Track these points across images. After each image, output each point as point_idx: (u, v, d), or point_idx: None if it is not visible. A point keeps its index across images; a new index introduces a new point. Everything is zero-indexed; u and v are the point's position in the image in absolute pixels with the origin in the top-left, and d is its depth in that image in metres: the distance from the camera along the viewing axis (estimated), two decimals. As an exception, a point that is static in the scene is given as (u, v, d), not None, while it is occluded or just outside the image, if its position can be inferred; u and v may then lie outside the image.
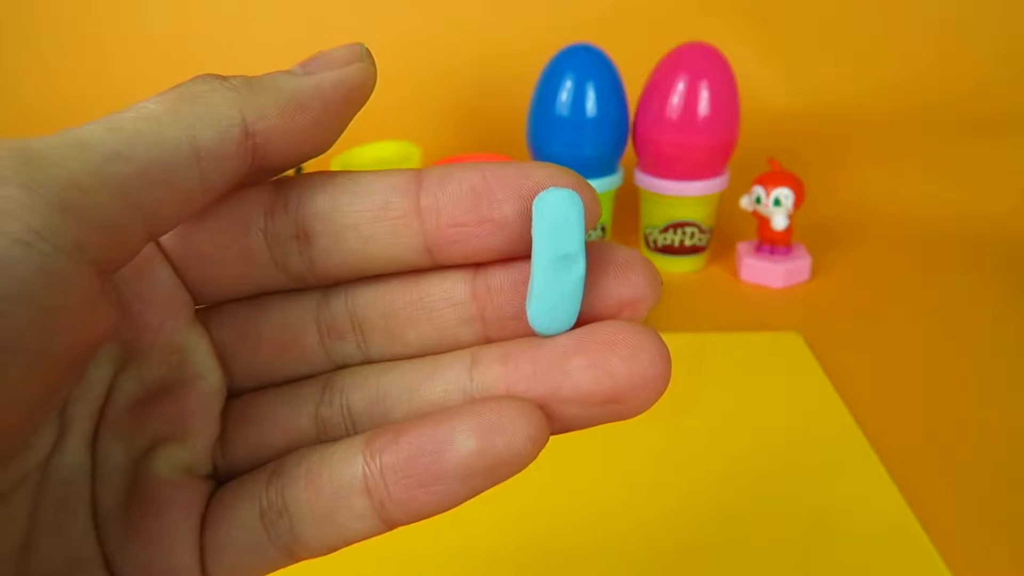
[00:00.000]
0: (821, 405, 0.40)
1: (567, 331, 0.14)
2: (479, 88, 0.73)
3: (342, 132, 0.15)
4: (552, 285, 0.14)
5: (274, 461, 0.15)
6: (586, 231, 0.14)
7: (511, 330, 0.15)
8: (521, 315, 0.15)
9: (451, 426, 0.13)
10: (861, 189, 0.65)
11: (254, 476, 0.15)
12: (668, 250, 0.55)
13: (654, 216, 0.55)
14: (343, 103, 0.14)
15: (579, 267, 0.14)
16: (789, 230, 0.52)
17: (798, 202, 0.51)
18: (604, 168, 0.52)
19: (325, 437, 0.15)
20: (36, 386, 0.11)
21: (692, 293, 0.52)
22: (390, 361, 0.16)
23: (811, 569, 0.31)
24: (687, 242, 0.54)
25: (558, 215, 0.13)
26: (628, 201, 0.57)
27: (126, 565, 0.14)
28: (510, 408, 0.13)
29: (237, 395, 0.16)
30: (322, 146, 0.15)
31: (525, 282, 0.15)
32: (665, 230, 0.54)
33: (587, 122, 0.50)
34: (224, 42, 0.73)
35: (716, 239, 0.57)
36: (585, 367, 0.13)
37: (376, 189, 0.14)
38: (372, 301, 0.15)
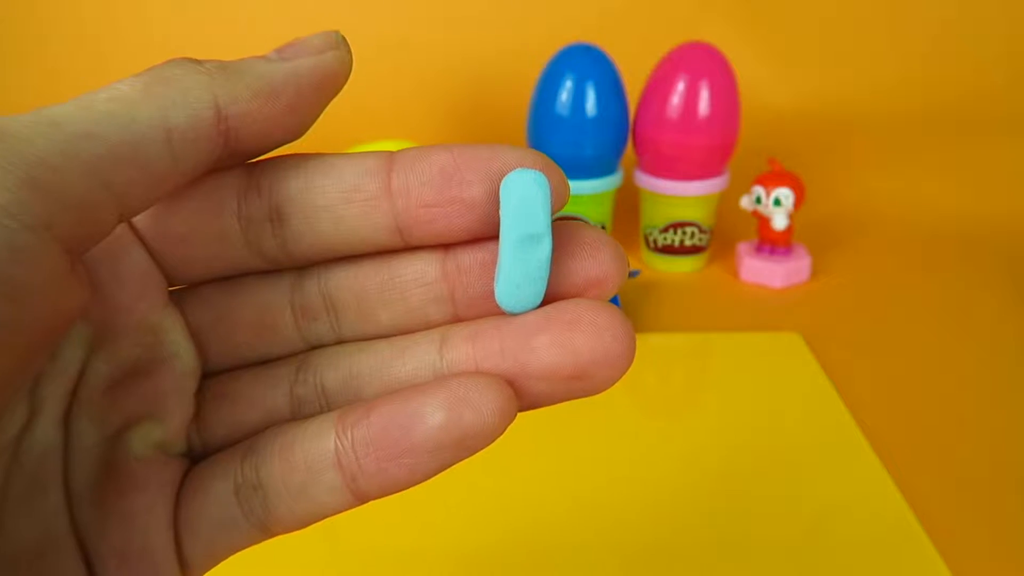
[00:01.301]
0: (821, 405, 0.40)
1: (534, 309, 0.14)
2: (479, 88, 0.73)
3: (316, 119, 0.15)
4: (519, 264, 0.14)
5: (249, 438, 0.15)
6: (553, 212, 0.14)
7: (480, 309, 0.15)
8: (490, 294, 0.15)
9: (421, 400, 0.14)
10: (861, 189, 0.65)
11: (229, 453, 0.15)
12: (668, 250, 0.55)
13: (654, 216, 0.55)
14: (317, 90, 0.14)
15: (545, 247, 0.14)
16: (789, 230, 0.52)
17: (798, 202, 0.51)
18: (604, 168, 0.52)
19: (300, 415, 0.16)
20: (3, 362, 0.11)
21: (692, 293, 0.52)
22: (363, 341, 0.16)
23: (811, 569, 0.31)
24: (687, 242, 0.54)
25: (525, 195, 0.14)
26: (628, 201, 0.57)
27: (100, 544, 0.14)
28: (478, 383, 0.13)
29: (212, 375, 0.16)
30: (296, 132, 0.15)
31: (494, 262, 0.15)
32: (665, 230, 0.54)
33: (587, 122, 0.50)
34: (224, 43, 0.73)
35: (716, 239, 0.57)
36: (550, 344, 0.14)
37: (348, 171, 0.15)
38: (345, 282, 0.16)
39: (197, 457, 0.16)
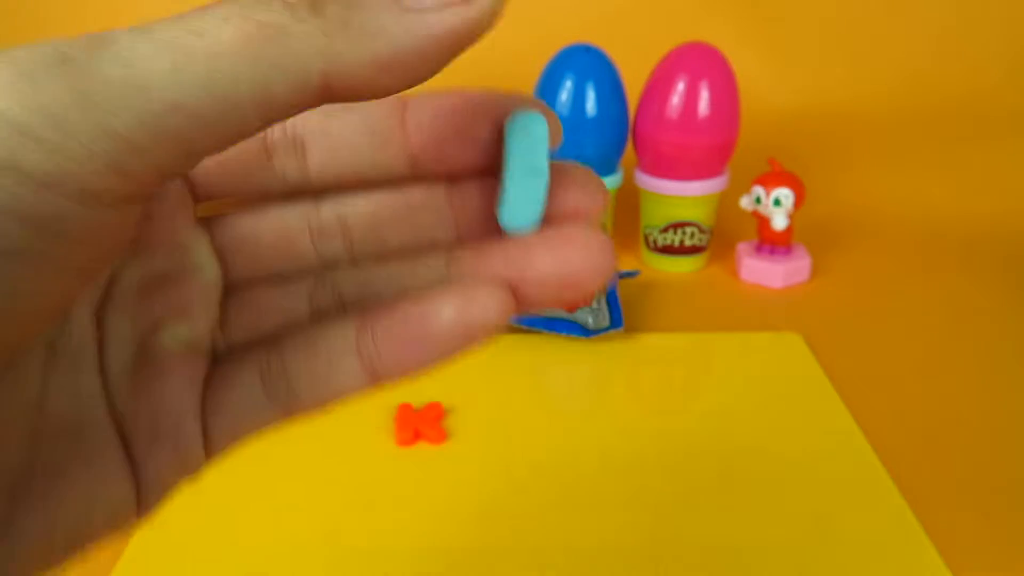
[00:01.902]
0: (821, 405, 0.40)
1: (532, 231, 0.16)
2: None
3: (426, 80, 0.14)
4: (521, 190, 0.16)
5: (273, 336, 0.17)
6: (549, 149, 0.16)
7: (482, 233, 0.17)
8: (491, 219, 0.17)
9: (435, 300, 0.15)
10: (861, 189, 0.65)
11: (255, 349, 0.17)
12: (668, 250, 0.55)
13: (654, 216, 0.55)
14: (446, 52, 0.12)
15: (544, 177, 0.16)
16: (789, 230, 0.52)
17: (798, 202, 0.51)
18: (604, 168, 0.52)
19: (319, 322, 0.17)
20: (69, 282, 0.13)
21: (692, 293, 0.52)
22: (376, 258, 0.18)
23: (811, 569, 0.31)
24: (687, 242, 0.54)
25: (528, 132, 0.16)
26: (628, 201, 0.57)
27: (134, 425, 0.15)
28: (483, 287, 0.15)
29: (235, 289, 0.17)
30: (388, 94, 0.13)
31: (496, 191, 0.17)
32: (665, 230, 0.54)
33: (587, 122, 0.50)
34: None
35: (716, 239, 0.57)
36: (547, 256, 0.16)
37: (366, 108, 0.16)
38: (359, 208, 0.17)
39: (223, 359, 0.17)
